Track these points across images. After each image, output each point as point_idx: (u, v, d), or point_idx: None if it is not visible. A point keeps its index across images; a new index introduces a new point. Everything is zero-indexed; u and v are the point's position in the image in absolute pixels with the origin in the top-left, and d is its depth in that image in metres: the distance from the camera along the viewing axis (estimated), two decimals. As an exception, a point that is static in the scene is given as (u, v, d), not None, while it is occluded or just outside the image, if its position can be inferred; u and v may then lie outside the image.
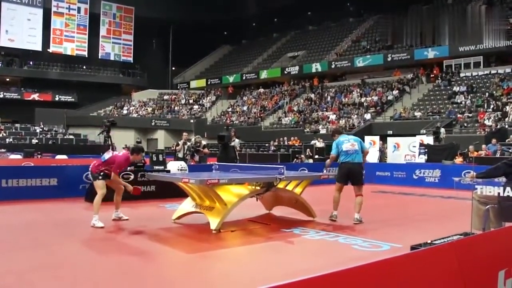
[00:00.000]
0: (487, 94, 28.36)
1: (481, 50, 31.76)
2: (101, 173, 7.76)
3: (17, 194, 10.55)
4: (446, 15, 35.53)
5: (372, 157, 21.22)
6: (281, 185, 8.05)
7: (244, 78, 46.66)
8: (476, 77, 31.45)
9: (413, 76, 34.62)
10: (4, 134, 34.89)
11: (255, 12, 50.12)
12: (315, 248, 6.40)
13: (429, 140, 20.31)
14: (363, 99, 34.23)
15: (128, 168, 11.60)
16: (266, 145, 29.88)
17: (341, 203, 8.43)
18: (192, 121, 41.41)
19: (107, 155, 7.87)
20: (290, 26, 50.50)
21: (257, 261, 5.80)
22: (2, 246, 6.15)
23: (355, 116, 31.91)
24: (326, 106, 35.92)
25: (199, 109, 44.64)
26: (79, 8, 50.52)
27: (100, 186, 7.74)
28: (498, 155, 17.16)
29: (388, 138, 22.34)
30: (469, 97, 28.84)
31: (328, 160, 8.85)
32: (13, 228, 7.53)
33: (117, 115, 41.38)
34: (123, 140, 28.09)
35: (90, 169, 8.07)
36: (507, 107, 25.62)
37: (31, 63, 48.54)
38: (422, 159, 18.99)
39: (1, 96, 45.38)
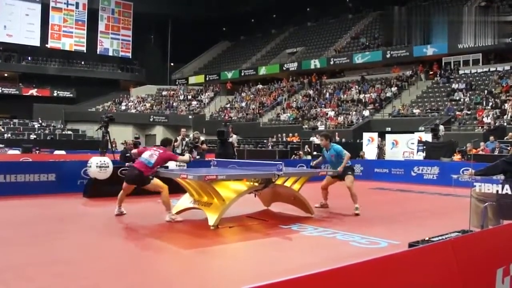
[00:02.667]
0: (486, 91, 28.36)
1: (480, 47, 31.74)
2: (152, 175, 7.83)
3: (15, 189, 10.54)
4: (446, 12, 35.47)
5: (371, 154, 21.26)
6: (279, 182, 8.05)
7: (242, 74, 46.59)
8: (475, 74, 31.45)
9: (412, 73, 34.61)
10: (2, 130, 34.89)
11: (253, 8, 50.01)
12: (313, 244, 6.40)
13: (427, 137, 20.32)
14: (361, 96, 34.22)
15: (127, 164, 11.62)
16: (265, 141, 29.87)
17: (338, 200, 8.46)
18: (190, 117, 41.38)
19: (152, 159, 7.73)
20: (289, 22, 50.40)
21: (255, 257, 5.80)
22: (1, 242, 6.15)
23: (354, 112, 31.91)
24: (324, 102, 35.91)
25: (197, 105, 44.58)
26: (77, 4, 50.32)
27: (159, 184, 7.80)
28: (496, 153, 17.18)
29: (387, 135, 22.32)
30: (468, 95, 28.85)
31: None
32: (11, 223, 7.52)
33: (115, 111, 41.36)
34: (121, 136, 28.06)
35: (141, 172, 7.69)
36: (506, 104, 25.63)
37: (29, 58, 48.38)
38: (421, 156, 19.01)
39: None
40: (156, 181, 7.82)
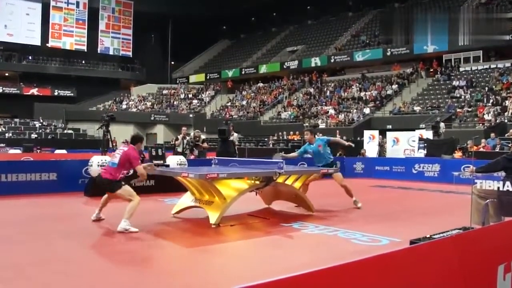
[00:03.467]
0: (486, 88, 28.33)
1: (480, 44, 31.65)
2: (123, 180, 7.12)
3: (17, 188, 10.54)
4: (446, 9, 35.43)
5: (372, 151, 21.28)
6: (280, 180, 8.05)
7: (243, 72, 46.57)
8: (476, 71, 31.39)
9: (413, 70, 34.57)
10: (4, 129, 34.89)
11: (254, 6, 49.97)
12: (314, 242, 6.40)
13: (428, 134, 20.33)
14: (362, 94, 34.19)
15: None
16: (265, 139, 29.87)
17: (338, 198, 8.47)
18: (191, 115, 41.39)
19: (115, 159, 7.13)
20: (289, 21, 50.31)
21: (256, 255, 5.80)
22: (2, 241, 6.15)
23: (355, 110, 31.89)
24: (325, 100, 35.89)
25: (198, 104, 44.60)
26: (77, 3, 50.28)
27: (132, 193, 7.03)
28: (497, 150, 17.17)
29: (388, 133, 22.35)
30: (469, 92, 28.81)
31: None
32: (12, 222, 7.52)
33: (116, 110, 41.32)
34: (122, 134, 28.05)
35: (107, 178, 7.08)
36: (507, 101, 25.59)
37: (30, 57, 48.37)
38: (422, 153, 19.02)
39: (0, 90, 45.27)
40: (128, 188, 7.08)
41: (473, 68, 31.82)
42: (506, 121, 23.57)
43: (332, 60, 40.05)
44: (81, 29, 50.56)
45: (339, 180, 9.20)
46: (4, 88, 45.61)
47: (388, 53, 36.37)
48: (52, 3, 48.88)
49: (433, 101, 29.74)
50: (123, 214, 6.77)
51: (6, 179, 10.56)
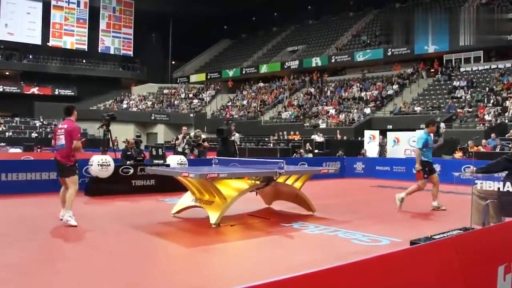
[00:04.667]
0: (487, 88, 28.32)
1: (481, 44, 31.62)
2: (76, 164, 7.16)
3: (17, 188, 10.54)
4: (447, 9, 35.41)
5: (372, 151, 21.27)
6: (280, 180, 8.05)
7: (244, 72, 46.56)
8: (476, 71, 31.37)
9: (413, 70, 34.56)
10: (4, 128, 34.93)
11: (254, 6, 49.96)
12: (314, 242, 6.40)
13: (429, 134, 20.29)
14: (363, 94, 34.19)
15: (128, 162, 11.66)
16: (266, 139, 29.87)
17: (341, 199, 8.46)
18: (191, 115, 41.39)
19: (61, 140, 7.02)
20: (290, 20, 50.36)
21: (256, 255, 5.80)
22: (2, 240, 6.15)
23: (355, 110, 31.88)
24: (326, 100, 35.89)
25: (198, 103, 44.61)
26: (78, 2, 50.34)
27: (75, 181, 7.16)
28: (497, 150, 17.16)
29: (388, 133, 22.31)
30: (469, 92, 28.80)
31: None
32: (12, 222, 7.52)
33: (116, 109, 41.33)
34: (122, 134, 28.07)
35: (62, 163, 7.09)
36: (507, 101, 25.59)
37: (30, 56, 48.41)
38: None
39: (1, 89, 45.26)
40: (76, 178, 7.19)
41: (474, 68, 31.80)
42: (506, 121, 23.58)
43: (333, 60, 40.04)
44: (82, 28, 50.60)
45: (435, 180, 9.46)
46: (4, 87, 45.62)
47: (389, 53, 36.35)
48: (53, 2, 48.95)
49: (434, 101, 29.74)
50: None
51: (6, 178, 10.56)
